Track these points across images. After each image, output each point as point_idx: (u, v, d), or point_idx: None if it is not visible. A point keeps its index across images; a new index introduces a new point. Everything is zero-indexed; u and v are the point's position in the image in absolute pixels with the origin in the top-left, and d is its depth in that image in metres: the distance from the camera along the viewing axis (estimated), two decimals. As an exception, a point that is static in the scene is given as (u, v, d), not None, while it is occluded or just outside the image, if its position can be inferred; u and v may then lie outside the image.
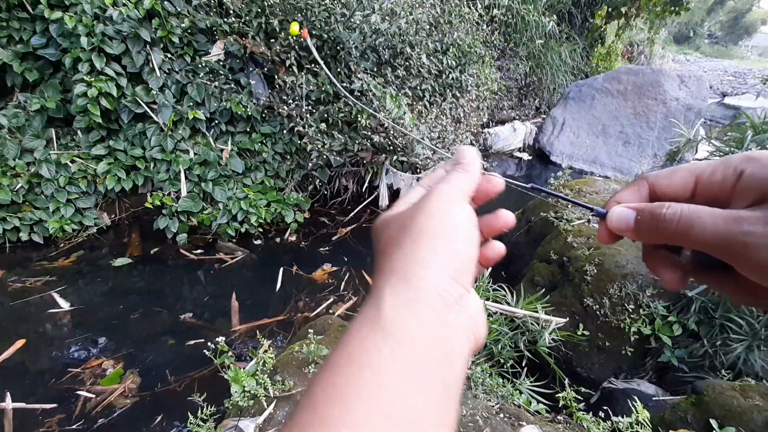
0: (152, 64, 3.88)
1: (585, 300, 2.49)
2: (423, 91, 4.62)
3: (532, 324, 2.35)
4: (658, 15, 8.95)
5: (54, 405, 2.41)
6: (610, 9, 8.78)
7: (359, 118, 3.99)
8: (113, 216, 4.16)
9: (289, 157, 4.50)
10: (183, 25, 3.90)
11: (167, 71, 3.99)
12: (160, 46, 3.90)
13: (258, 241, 4.11)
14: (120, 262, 3.67)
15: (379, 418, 0.24)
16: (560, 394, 2.00)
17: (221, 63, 4.17)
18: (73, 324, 3.02)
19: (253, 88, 4.23)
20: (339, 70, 4.24)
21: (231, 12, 3.99)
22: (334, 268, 3.73)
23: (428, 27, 4.46)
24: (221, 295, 3.36)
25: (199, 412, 1.81)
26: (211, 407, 1.82)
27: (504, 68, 7.86)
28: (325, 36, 4.03)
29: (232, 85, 4.16)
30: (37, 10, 3.59)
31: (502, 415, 1.81)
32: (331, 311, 3.19)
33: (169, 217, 3.90)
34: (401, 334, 0.27)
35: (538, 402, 2.06)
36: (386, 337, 0.27)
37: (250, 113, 4.17)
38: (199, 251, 3.90)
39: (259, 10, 4.01)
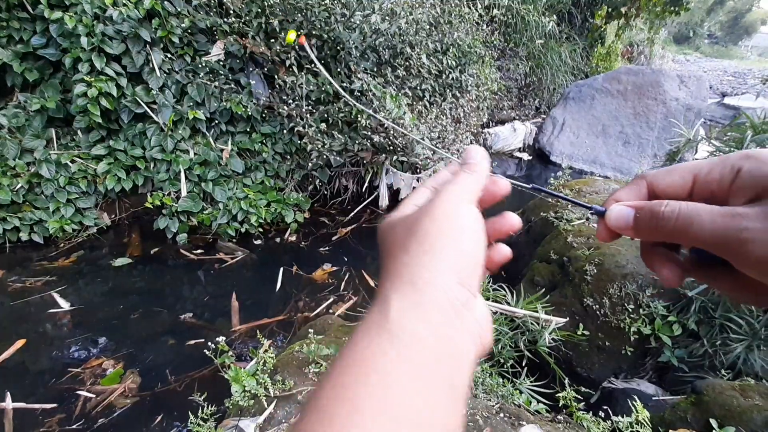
0: (152, 64, 3.88)
1: (585, 300, 2.50)
2: (423, 91, 4.62)
3: (532, 324, 2.35)
4: (657, 15, 8.96)
5: (54, 405, 2.41)
6: (610, 9, 8.78)
7: (359, 118, 3.99)
8: (113, 216, 4.16)
9: (289, 157, 4.50)
10: (183, 25, 3.90)
11: (167, 71, 4.00)
12: (160, 46, 3.90)
13: (258, 241, 4.11)
14: (120, 262, 3.67)
15: (387, 419, 0.24)
16: (560, 394, 2.00)
17: (221, 63, 4.17)
18: (73, 324, 3.02)
19: (253, 88, 4.23)
20: (339, 70, 4.24)
21: (231, 12, 4.00)
22: (334, 268, 3.73)
23: (428, 27, 4.46)
24: (221, 295, 3.37)
25: (200, 411, 1.81)
26: (211, 407, 1.82)
27: (504, 68, 7.86)
28: (325, 36, 4.03)
29: (232, 85, 4.16)
30: (37, 10, 3.59)
31: (502, 415, 1.81)
32: (331, 311, 3.19)
33: (169, 217, 3.90)
34: (408, 337, 0.27)
35: (538, 402, 2.06)
36: (392, 340, 0.27)
37: (250, 113, 4.17)
38: (199, 251, 3.90)
39: (259, 10, 4.01)
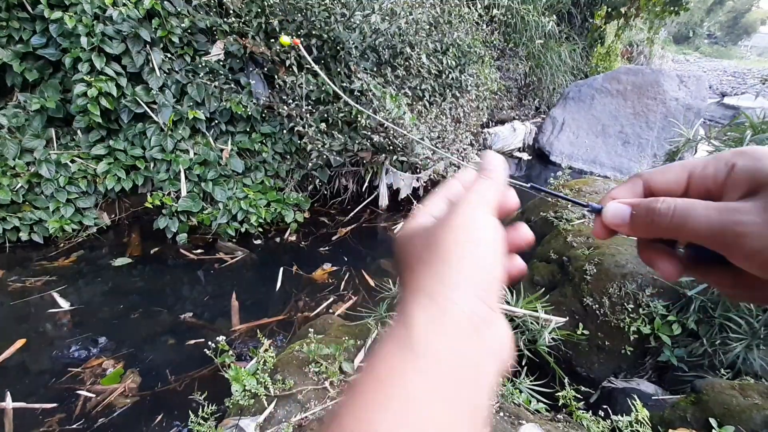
0: (152, 64, 3.88)
1: (585, 299, 2.50)
2: (423, 91, 4.62)
3: (531, 323, 2.35)
4: (657, 15, 8.97)
5: (54, 404, 2.41)
6: (609, 9, 8.79)
7: (359, 118, 4.00)
8: (113, 216, 4.16)
9: (289, 157, 4.50)
10: (183, 25, 3.90)
11: (167, 71, 4.00)
12: (160, 46, 3.90)
13: (258, 241, 4.11)
14: (120, 261, 3.67)
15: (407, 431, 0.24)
16: (560, 393, 2.00)
17: (221, 63, 4.17)
18: (73, 324, 3.03)
19: (253, 88, 4.23)
20: (339, 70, 4.24)
21: (231, 12, 4.00)
22: (334, 268, 3.73)
23: (428, 27, 4.46)
24: (221, 294, 3.37)
25: (200, 411, 1.81)
26: (211, 406, 1.82)
27: (504, 68, 7.87)
28: (325, 36, 4.03)
29: (232, 85, 4.16)
30: (37, 10, 3.59)
31: (502, 414, 1.81)
32: (331, 311, 3.20)
33: (169, 217, 3.90)
34: (429, 355, 0.27)
35: (538, 401, 2.06)
36: (415, 358, 0.27)
37: (250, 113, 4.17)
38: (199, 251, 3.90)
39: (259, 10, 4.01)
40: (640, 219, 0.33)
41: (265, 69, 4.34)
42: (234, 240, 4.01)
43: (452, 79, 4.84)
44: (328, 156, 4.16)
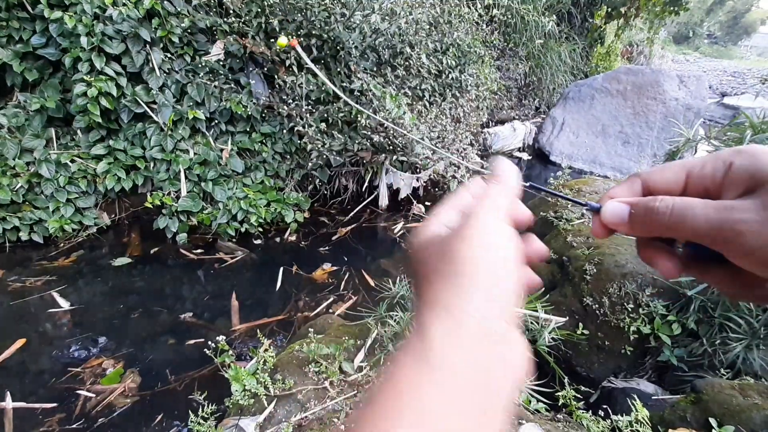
0: (152, 63, 3.88)
1: (584, 299, 2.50)
2: (423, 90, 4.62)
3: (531, 323, 2.35)
4: (657, 15, 8.97)
5: (54, 404, 2.41)
6: (609, 9, 8.79)
7: (359, 118, 3.99)
8: (113, 216, 4.16)
9: (289, 156, 4.50)
10: (183, 24, 3.90)
11: (167, 71, 4.00)
12: (160, 45, 3.90)
13: (258, 241, 4.11)
14: (120, 261, 3.67)
15: None
16: (560, 393, 2.00)
17: (221, 63, 4.17)
18: (73, 323, 3.03)
19: (253, 88, 4.23)
20: (339, 69, 4.24)
21: (231, 12, 4.00)
22: (334, 268, 3.73)
23: (428, 27, 4.46)
24: (221, 294, 3.37)
25: (200, 410, 1.81)
26: (211, 406, 1.82)
27: (504, 68, 7.87)
28: (325, 36, 4.03)
29: (232, 85, 4.16)
30: (36, 10, 3.59)
31: (501, 414, 1.80)
32: (331, 311, 3.20)
33: (169, 217, 3.90)
34: (446, 368, 0.27)
35: (538, 401, 2.06)
36: (431, 371, 0.27)
37: (250, 113, 4.17)
38: (199, 251, 3.90)
39: (259, 9, 4.01)
40: (639, 218, 0.33)
41: (265, 69, 4.34)
42: (234, 240, 4.01)
43: (452, 79, 4.84)
44: (328, 156, 4.16)
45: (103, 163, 3.83)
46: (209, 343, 2.07)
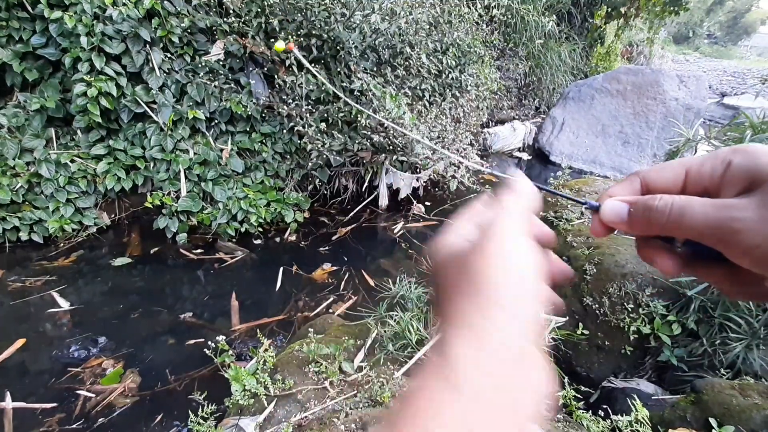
0: (152, 63, 3.88)
1: (584, 299, 2.50)
2: (423, 90, 4.62)
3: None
4: (657, 15, 8.97)
5: (54, 404, 2.41)
6: (609, 9, 8.80)
7: (359, 118, 4.00)
8: (113, 216, 4.16)
9: (288, 156, 4.50)
10: (183, 24, 3.90)
11: (167, 71, 4.00)
12: (159, 45, 3.90)
13: (258, 241, 4.11)
14: (120, 261, 3.67)
15: None
16: (560, 393, 2.00)
17: (221, 63, 4.17)
18: (73, 323, 3.02)
19: (253, 88, 4.23)
20: (339, 69, 4.24)
21: (231, 12, 3.99)
22: (334, 268, 3.73)
23: (428, 27, 4.46)
24: (221, 294, 3.37)
25: (200, 410, 1.81)
26: (211, 406, 1.82)
27: (503, 68, 7.87)
28: (325, 36, 4.03)
29: (232, 85, 4.16)
30: (36, 10, 3.59)
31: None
32: (331, 311, 3.20)
33: (169, 217, 3.90)
34: (469, 390, 0.27)
35: (538, 401, 2.06)
36: (454, 392, 0.27)
37: (250, 113, 4.17)
38: (198, 251, 3.90)
39: (259, 9, 4.01)
40: (638, 216, 0.33)
41: (265, 69, 4.34)
42: (234, 240, 4.00)
43: (452, 78, 4.84)
44: (328, 156, 4.16)
45: (103, 163, 3.82)
46: (209, 343, 2.07)
